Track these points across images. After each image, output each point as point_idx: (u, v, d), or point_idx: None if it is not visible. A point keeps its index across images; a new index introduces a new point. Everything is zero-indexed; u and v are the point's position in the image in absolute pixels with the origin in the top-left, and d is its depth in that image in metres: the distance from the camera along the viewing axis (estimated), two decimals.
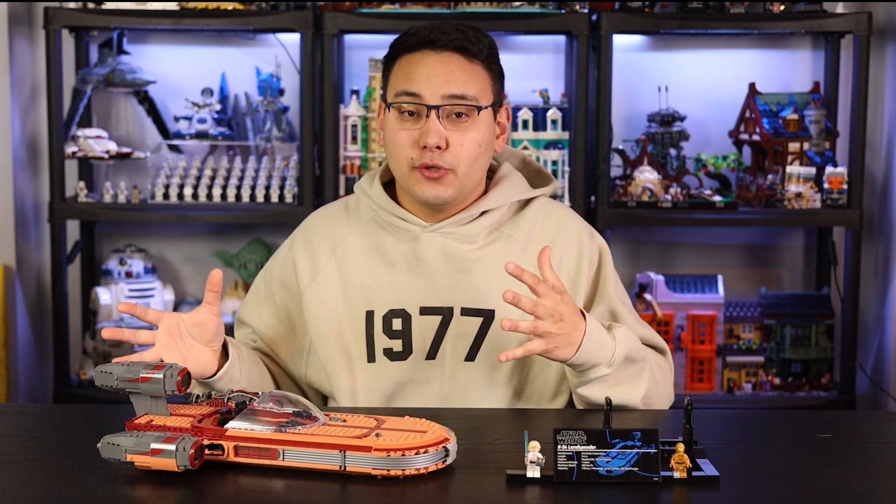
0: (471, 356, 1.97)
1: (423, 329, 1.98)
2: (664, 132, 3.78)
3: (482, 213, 2.00)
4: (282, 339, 2.08)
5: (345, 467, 1.52)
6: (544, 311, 1.78)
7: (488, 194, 2.01)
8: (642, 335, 2.03)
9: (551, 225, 2.04)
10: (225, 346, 1.89)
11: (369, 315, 1.99)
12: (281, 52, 3.86)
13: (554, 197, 2.11)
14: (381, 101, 2.03)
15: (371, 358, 1.99)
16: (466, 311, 1.97)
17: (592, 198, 3.70)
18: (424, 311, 1.98)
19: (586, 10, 3.64)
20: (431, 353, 1.98)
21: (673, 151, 3.79)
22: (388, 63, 2.00)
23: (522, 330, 1.78)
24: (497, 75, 2.01)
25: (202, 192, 3.71)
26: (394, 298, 1.99)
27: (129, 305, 1.79)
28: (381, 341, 1.99)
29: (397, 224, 2.00)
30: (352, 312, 2.00)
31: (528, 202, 2.06)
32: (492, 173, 2.07)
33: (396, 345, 1.98)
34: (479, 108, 1.94)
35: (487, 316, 1.97)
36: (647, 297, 3.75)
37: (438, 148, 1.91)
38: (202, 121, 3.78)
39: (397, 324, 1.98)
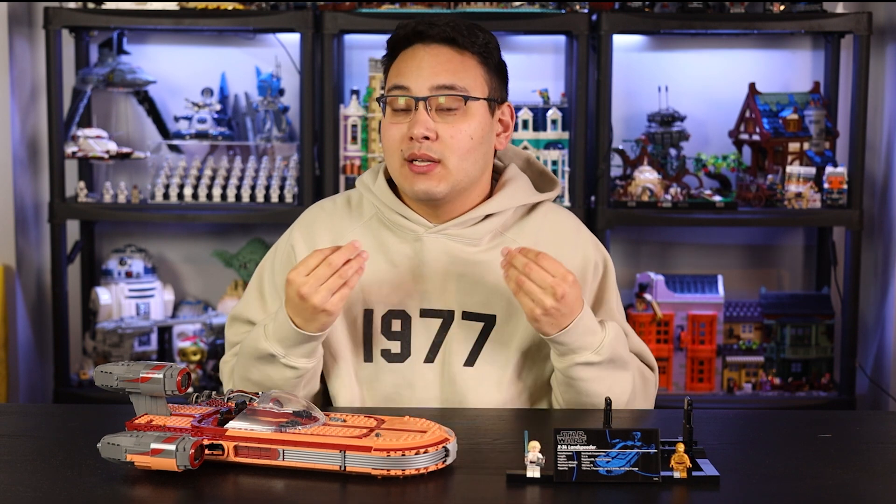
0: (470, 361, 1.95)
1: (423, 332, 1.95)
2: (664, 132, 3.78)
3: (487, 217, 1.97)
4: None
5: (345, 467, 1.52)
6: (540, 277, 1.80)
7: (493, 197, 1.98)
8: (635, 348, 2.02)
9: (558, 232, 2.02)
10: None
11: (368, 314, 1.97)
12: (281, 52, 3.86)
13: (554, 200, 2.09)
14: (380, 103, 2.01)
15: (368, 357, 1.97)
16: (468, 315, 1.95)
17: (592, 198, 3.70)
18: (424, 313, 1.96)
19: (586, 10, 3.64)
20: (430, 357, 1.95)
21: (673, 151, 3.79)
22: (388, 62, 1.99)
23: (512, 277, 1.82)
24: (495, 71, 1.98)
25: (202, 192, 3.71)
26: (394, 299, 1.96)
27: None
28: (379, 342, 1.96)
29: (400, 223, 1.97)
30: (350, 310, 1.97)
31: (533, 206, 2.03)
32: (498, 174, 2.05)
33: (395, 346, 1.96)
34: (468, 98, 1.91)
35: (489, 321, 1.95)
36: (647, 297, 3.75)
37: (427, 139, 1.88)
38: (202, 121, 3.78)
39: (396, 325, 1.96)
